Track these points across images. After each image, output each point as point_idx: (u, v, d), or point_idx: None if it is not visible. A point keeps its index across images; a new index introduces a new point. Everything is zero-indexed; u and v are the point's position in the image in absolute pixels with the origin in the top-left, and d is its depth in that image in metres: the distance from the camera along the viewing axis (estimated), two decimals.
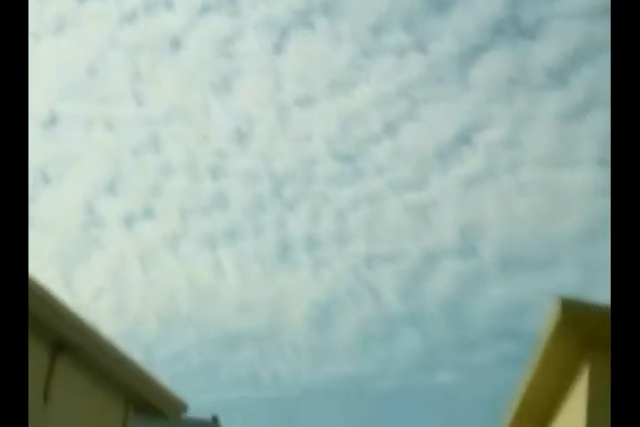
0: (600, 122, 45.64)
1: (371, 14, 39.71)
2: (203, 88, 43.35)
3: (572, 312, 16.93)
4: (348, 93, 43.55)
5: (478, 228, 46.97)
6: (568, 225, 43.76)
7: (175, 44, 38.59)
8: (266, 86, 41.13)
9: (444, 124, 42.73)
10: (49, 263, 32.77)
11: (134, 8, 38.53)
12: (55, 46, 37.47)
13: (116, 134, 40.42)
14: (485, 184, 46.37)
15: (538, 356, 18.62)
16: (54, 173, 41.39)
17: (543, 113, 45.15)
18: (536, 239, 46.89)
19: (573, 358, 18.24)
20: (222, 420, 16.43)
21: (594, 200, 44.22)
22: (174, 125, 42.21)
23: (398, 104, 43.27)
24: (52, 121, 38.13)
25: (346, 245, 45.63)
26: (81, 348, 11.37)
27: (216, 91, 46.53)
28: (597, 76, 44.36)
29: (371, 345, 49.64)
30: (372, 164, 42.68)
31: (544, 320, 17.91)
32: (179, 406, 13.19)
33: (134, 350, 12.59)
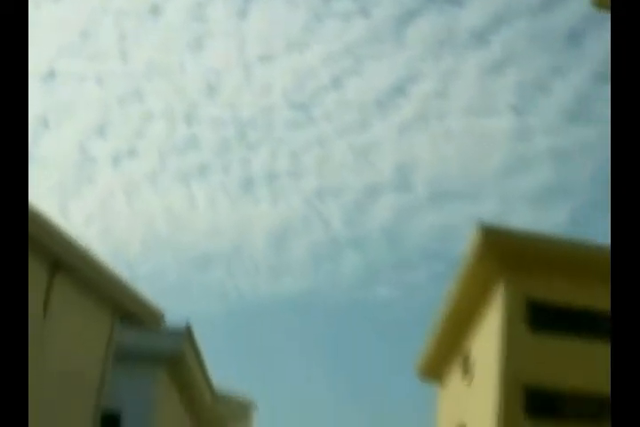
0: (515, 76, 48.32)
1: None
2: (179, 48, 44.60)
3: (491, 237, 19.61)
4: (302, 52, 45.43)
5: (412, 166, 49.85)
6: (489, 164, 46.84)
7: (155, 10, 40.00)
8: (232, 46, 42.64)
9: (383, 77, 44.88)
10: (48, 195, 34.23)
11: None
12: (54, 12, 38.68)
13: (105, 87, 43.99)
14: (418, 129, 49.11)
15: (461, 274, 21.30)
16: (53, 120, 42.76)
17: (467, 68, 47.55)
18: (462, 176, 50.03)
19: (491, 276, 21.02)
20: (194, 329, 17.33)
21: (511, 143, 47.42)
22: (154, 80, 44.21)
23: (344, 61, 45.59)
24: (51, 75, 39.82)
25: (300, 180, 47.93)
26: (75, 267, 11.92)
27: (190, 50, 47.37)
28: (514, 36, 46.96)
29: (320, 265, 52.64)
30: (322, 111, 44.79)
31: (467, 244, 20.58)
32: (157, 317, 13.72)
33: (119, 269, 13.69)
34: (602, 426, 18.02)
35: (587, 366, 19.10)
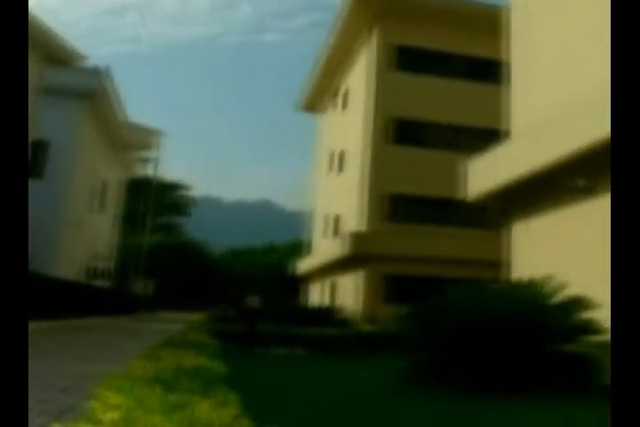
0: None
1: None
2: None
3: None
4: None
5: None
6: None
7: None
8: None
9: None
10: None
11: None
12: None
13: None
14: None
15: (339, 22, 23.72)
16: None
17: None
18: None
19: (365, 23, 23.66)
20: (112, 69, 18.83)
21: None
22: None
23: None
24: None
25: None
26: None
27: None
28: None
29: (219, 14, 52.97)
30: None
31: None
32: (80, 58, 15.35)
33: (44, 18, 14.73)
34: (457, 151, 21.51)
35: (445, 101, 22.49)
